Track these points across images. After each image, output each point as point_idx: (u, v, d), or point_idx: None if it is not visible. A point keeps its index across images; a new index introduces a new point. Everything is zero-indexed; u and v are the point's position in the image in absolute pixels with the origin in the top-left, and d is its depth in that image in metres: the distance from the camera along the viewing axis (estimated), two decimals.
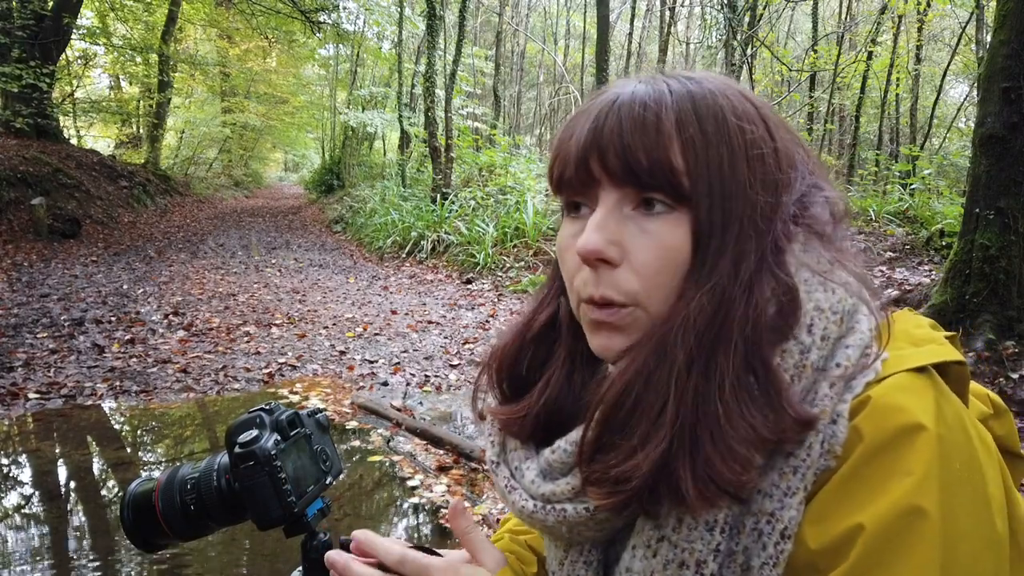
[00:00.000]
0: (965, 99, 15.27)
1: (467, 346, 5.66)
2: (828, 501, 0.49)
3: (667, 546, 0.53)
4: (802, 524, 0.50)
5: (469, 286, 8.48)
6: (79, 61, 18.38)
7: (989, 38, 5.90)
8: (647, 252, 0.55)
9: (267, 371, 4.84)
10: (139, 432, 3.88)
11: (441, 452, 3.49)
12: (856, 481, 0.49)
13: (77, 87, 18.86)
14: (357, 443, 3.68)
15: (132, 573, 2.51)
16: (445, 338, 5.95)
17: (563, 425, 0.62)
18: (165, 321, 6.18)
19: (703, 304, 0.52)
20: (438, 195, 11.59)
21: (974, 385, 0.62)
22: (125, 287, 7.74)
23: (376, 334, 6.07)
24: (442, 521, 2.81)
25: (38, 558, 2.53)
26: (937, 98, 13.99)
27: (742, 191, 0.55)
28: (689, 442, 0.50)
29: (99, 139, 23.01)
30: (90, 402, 4.15)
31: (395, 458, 3.45)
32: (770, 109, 0.60)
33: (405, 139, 17.11)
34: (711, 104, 0.56)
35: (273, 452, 0.67)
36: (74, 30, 14.61)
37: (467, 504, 2.92)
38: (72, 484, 3.19)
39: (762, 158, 0.56)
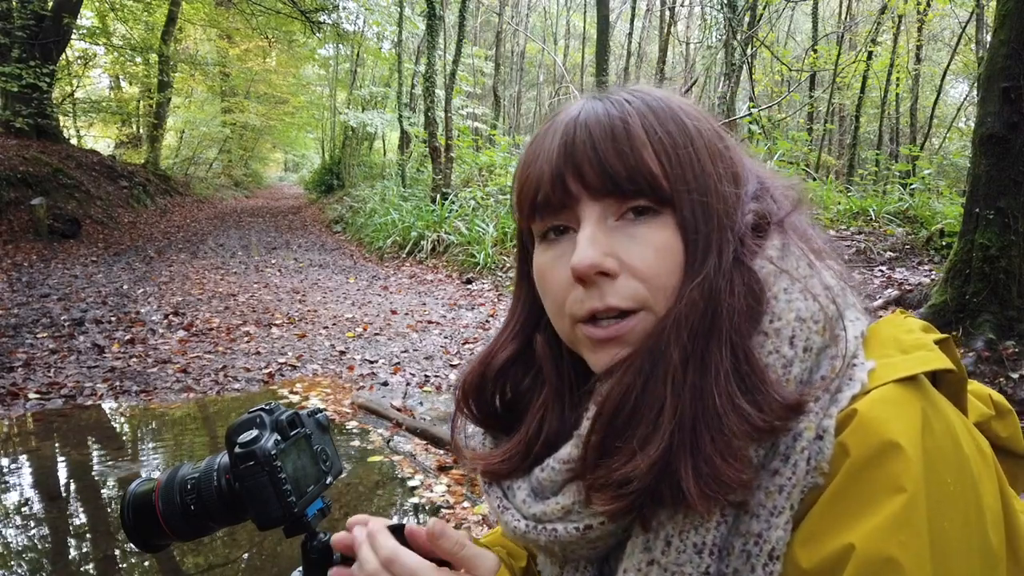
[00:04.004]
0: (965, 99, 15.27)
1: (467, 346, 5.66)
2: (818, 520, 0.49)
3: (657, 570, 0.52)
4: (793, 544, 0.49)
5: (469, 286, 8.48)
6: (79, 61, 18.37)
7: (989, 38, 5.90)
8: (644, 256, 0.55)
9: (267, 371, 4.84)
10: (139, 432, 3.88)
11: (441, 452, 3.49)
12: (844, 499, 0.48)
13: (77, 87, 18.85)
14: (357, 443, 3.68)
15: (132, 573, 2.51)
16: (445, 338, 5.95)
17: (552, 447, 0.61)
18: (165, 321, 6.18)
19: (695, 299, 0.52)
20: (438, 195, 11.59)
21: (976, 385, 0.61)
22: (125, 287, 7.74)
23: (376, 334, 6.07)
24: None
25: (38, 558, 2.53)
26: (937, 98, 14.01)
27: (714, 186, 0.56)
28: (689, 440, 0.50)
29: (99, 139, 23.01)
30: (90, 402, 4.15)
31: (395, 458, 3.45)
32: (712, 115, 0.62)
33: (405, 139, 17.11)
34: (667, 108, 0.58)
35: (273, 452, 0.67)
36: (74, 30, 14.60)
37: (467, 504, 2.92)
38: (72, 484, 3.19)
39: (721, 154, 0.58)
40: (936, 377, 0.53)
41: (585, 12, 21.05)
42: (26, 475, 3.24)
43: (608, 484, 0.52)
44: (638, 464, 0.50)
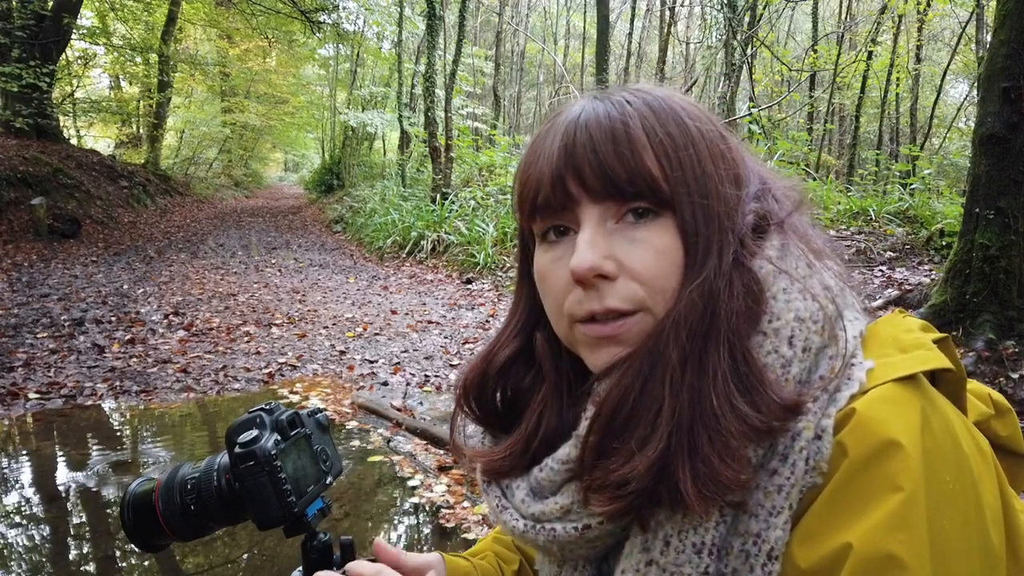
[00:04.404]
0: (965, 99, 15.28)
1: (467, 346, 5.66)
2: (816, 519, 0.48)
3: (656, 570, 0.52)
4: (791, 544, 0.49)
5: (469, 286, 8.48)
6: (79, 61, 18.37)
7: (989, 38, 5.90)
8: (643, 258, 0.55)
9: (267, 371, 4.84)
10: (139, 432, 3.88)
11: (441, 452, 3.49)
12: (842, 498, 0.47)
13: (77, 87, 18.84)
14: (357, 443, 3.68)
15: (132, 573, 2.51)
16: (445, 338, 5.95)
17: (551, 446, 0.61)
18: (165, 321, 6.18)
19: (694, 300, 0.53)
20: (438, 195, 11.59)
21: (975, 385, 0.61)
22: (125, 287, 7.74)
23: (376, 334, 6.07)
24: (442, 521, 2.82)
25: (38, 558, 2.53)
26: (937, 98, 14.01)
27: (715, 188, 0.56)
28: (687, 442, 0.50)
29: (99, 139, 23.00)
30: (90, 402, 4.15)
31: (395, 458, 3.45)
32: (714, 115, 0.62)
33: (405, 139, 17.11)
34: (667, 109, 0.57)
35: (273, 452, 0.67)
36: (74, 30, 14.60)
37: (467, 504, 2.92)
38: (72, 484, 3.19)
39: (723, 154, 0.58)
40: (935, 376, 0.53)
41: (585, 12, 21.05)
42: (26, 475, 3.24)
43: (606, 485, 0.52)
44: (636, 465, 0.50)
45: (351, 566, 0.70)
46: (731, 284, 0.53)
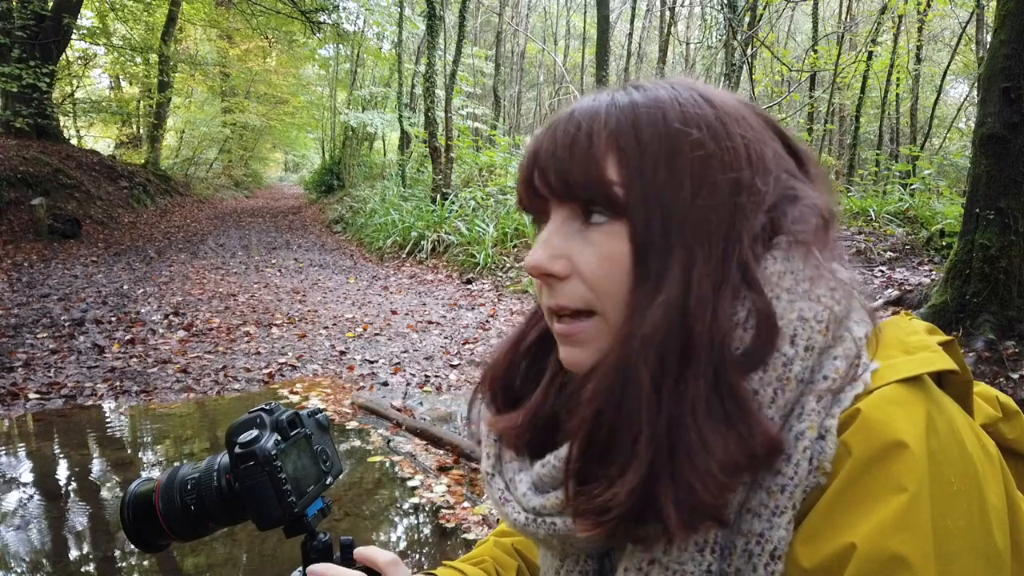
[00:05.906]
0: (965, 99, 15.29)
1: (467, 346, 5.65)
2: (819, 519, 0.48)
3: (658, 569, 0.52)
4: (794, 544, 0.49)
5: (469, 286, 8.48)
6: (79, 61, 18.37)
7: (989, 38, 5.90)
8: (590, 261, 0.55)
9: (267, 371, 4.84)
10: (139, 432, 3.88)
11: (441, 452, 3.49)
12: (846, 498, 0.47)
13: (77, 87, 18.85)
14: (357, 443, 3.68)
15: (132, 573, 2.51)
16: (445, 338, 5.94)
17: (557, 432, 0.61)
18: (165, 321, 6.18)
19: (657, 318, 0.50)
20: (438, 195, 11.59)
21: (983, 387, 0.61)
22: (125, 287, 7.74)
23: (376, 334, 6.07)
24: (442, 521, 2.82)
25: (38, 558, 2.53)
26: (937, 98, 14.00)
27: (684, 197, 0.52)
28: (669, 470, 0.49)
29: (99, 139, 23.00)
30: (90, 402, 4.15)
31: (395, 458, 3.45)
32: (738, 108, 0.57)
33: (405, 139, 17.10)
34: (652, 111, 0.55)
35: (273, 452, 0.67)
36: (74, 30, 14.60)
37: (467, 504, 2.92)
38: (72, 484, 3.18)
39: (707, 159, 0.53)
40: (941, 379, 0.53)
41: (585, 12, 21.05)
42: (26, 475, 3.24)
43: (588, 510, 0.52)
44: (616, 492, 0.50)
45: (313, 568, 0.68)
46: (714, 309, 0.50)
